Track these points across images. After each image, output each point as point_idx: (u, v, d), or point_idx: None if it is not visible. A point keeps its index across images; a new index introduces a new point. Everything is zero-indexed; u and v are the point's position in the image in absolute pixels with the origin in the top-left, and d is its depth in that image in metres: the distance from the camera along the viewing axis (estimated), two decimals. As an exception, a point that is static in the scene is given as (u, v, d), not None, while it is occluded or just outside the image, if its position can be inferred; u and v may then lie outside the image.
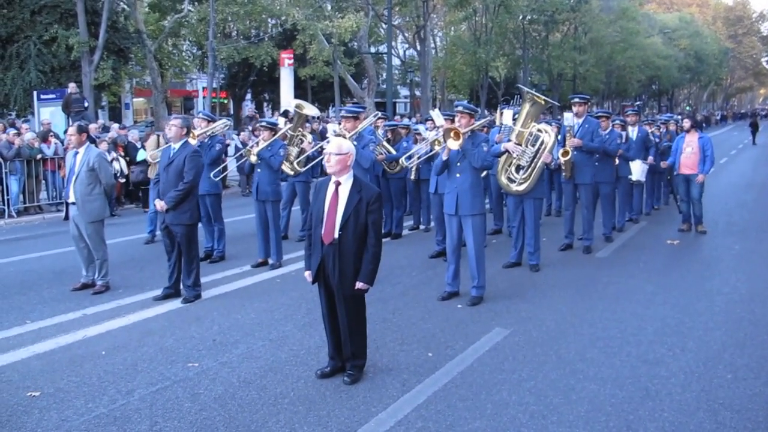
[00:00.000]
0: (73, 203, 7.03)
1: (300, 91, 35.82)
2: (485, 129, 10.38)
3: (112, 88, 25.88)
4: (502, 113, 8.14)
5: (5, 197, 12.52)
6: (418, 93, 40.61)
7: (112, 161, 11.77)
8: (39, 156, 12.93)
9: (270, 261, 8.13)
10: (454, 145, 6.14)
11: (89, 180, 6.96)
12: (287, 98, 24.03)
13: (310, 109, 9.53)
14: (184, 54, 30.81)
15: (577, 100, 8.75)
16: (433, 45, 44.26)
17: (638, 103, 16.97)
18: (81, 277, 7.28)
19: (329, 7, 25.12)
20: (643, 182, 10.95)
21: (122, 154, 13.43)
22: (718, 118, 65.84)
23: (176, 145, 6.68)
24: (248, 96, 44.66)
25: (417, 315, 6.15)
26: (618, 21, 39.84)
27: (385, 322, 5.92)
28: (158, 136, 10.36)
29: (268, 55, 26.22)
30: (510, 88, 45.34)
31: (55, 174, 13.25)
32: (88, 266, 7.25)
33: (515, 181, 7.64)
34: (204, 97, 28.92)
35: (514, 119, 7.76)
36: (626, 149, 10.07)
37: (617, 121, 10.37)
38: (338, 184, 4.45)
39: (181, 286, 6.82)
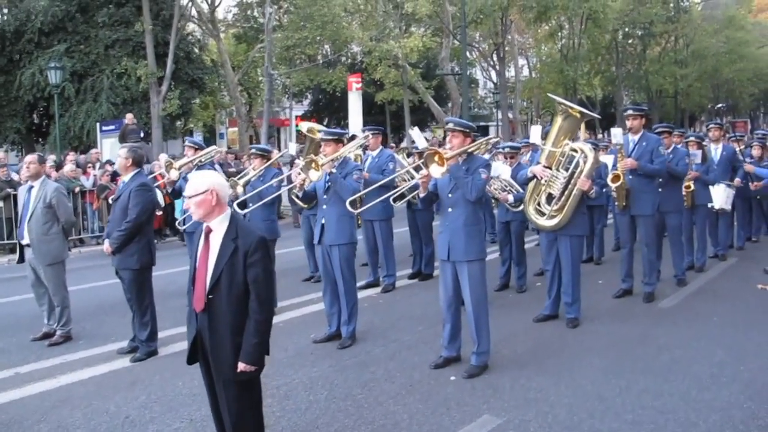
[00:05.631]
0: (28, 245, 6.26)
1: (381, 116, 35.13)
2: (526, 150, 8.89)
3: (200, 117, 26.17)
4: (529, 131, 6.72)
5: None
6: (510, 115, 38.77)
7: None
8: (77, 188, 12.58)
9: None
10: (437, 172, 4.80)
11: (46, 218, 6.20)
12: (356, 123, 23.22)
13: (325, 134, 8.46)
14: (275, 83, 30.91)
15: (630, 112, 7.03)
16: (525, 64, 42.51)
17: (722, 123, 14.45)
18: (43, 325, 6.52)
19: (393, 27, 24.17)
20: (728, 210, 8.96)
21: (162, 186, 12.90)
22: None
23: (126, 178, 5.77)
24: (334, 123, 44.65)
25: (393, 390, 4.79)
26: (723, 30, 36.32)
27: (345, 401, 4.62)
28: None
29: (341, 80, 25.68)
30: (608, 108, 42.58)
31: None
32: (50, 313, 6.48)
33: (545, 214, 6.17)
34: (275, 126, 28.69)
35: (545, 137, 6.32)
36: (704, 171, 8.26)
37: (692, 138, 8.55)
38: (209, 231, 3.26)
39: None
